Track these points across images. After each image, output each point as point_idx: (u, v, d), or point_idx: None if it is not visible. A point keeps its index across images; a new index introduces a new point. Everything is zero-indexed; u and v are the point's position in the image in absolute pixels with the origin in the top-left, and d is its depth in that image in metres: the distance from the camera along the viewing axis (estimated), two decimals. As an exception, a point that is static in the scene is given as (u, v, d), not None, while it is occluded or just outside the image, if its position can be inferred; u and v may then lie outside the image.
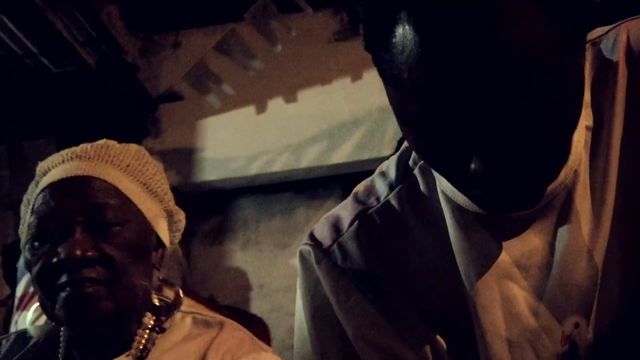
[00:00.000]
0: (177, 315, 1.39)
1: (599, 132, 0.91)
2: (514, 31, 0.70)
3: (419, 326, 0.98)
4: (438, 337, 0.97)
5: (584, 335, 0.92)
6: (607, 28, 0.94)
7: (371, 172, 1.06)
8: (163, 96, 4.36)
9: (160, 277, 1.41)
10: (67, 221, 1.26)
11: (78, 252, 1.22)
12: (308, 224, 4.40)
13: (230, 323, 1.40)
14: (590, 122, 0.92)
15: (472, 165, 0.77)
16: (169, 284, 1.47)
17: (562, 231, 0.91)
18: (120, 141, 1.43)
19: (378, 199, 1.00)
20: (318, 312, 1.00)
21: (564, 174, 0.89)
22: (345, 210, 1.02)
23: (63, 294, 1.23)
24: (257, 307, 4.38)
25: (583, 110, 0.87)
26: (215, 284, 4.45)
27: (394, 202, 0.99)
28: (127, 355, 1.30)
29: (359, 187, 1.04)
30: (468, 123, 0.74)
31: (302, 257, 1.02)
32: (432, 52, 0.71)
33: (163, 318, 1.36)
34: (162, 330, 1.35)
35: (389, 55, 0.76)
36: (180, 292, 1.40)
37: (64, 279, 1.23)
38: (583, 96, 0.82)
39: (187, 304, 1.46)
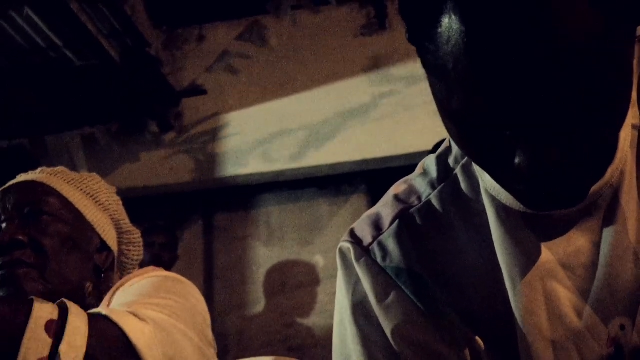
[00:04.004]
0: None
1: None
2: (562, 22, 0.68)
3: (458, 325, 0.96)
4: (477, 337, 0.95)
5: (629, 338, 0.89)
6: None
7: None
8: (186, 90, 4.35)
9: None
10: (6, 218, 1.41)
11: (7, 237, 1.36)
12: (332, 221, 4.38)
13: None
14: (637, 121, 0.89)
15: (516, 160, 0.74)
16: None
17: (608, 231, 0.88)
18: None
19: (419, 198, 0.99)
20: (358, 309, 0.99)
21: (610, 173, 0.86)
22: (386, 209, 1.01)
23: None
24: (279, 304, 4.38)
25: (630, 108, 0.84)
26: (236, 280, 4.44)
27: (435, 201, 0.97)
28: None
29: (399, 186, 1.03)
30: (513, 115, 0.72)
31: (342, 254, 1.01)
32: (479, 43, 0.69)
33: None
34: None
35: (434, 46, 0.74)
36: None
37: None
38: (631, 92, 0.79)
39: None
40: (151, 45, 4.25)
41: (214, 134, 4.30)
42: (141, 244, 1.60)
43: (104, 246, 1.50)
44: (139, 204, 4.45)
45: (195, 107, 4.35)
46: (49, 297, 1.30)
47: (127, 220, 1.57)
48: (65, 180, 1.49)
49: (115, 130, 4.28)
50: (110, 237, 1.52)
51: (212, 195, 4.50)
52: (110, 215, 1.53)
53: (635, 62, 0.89)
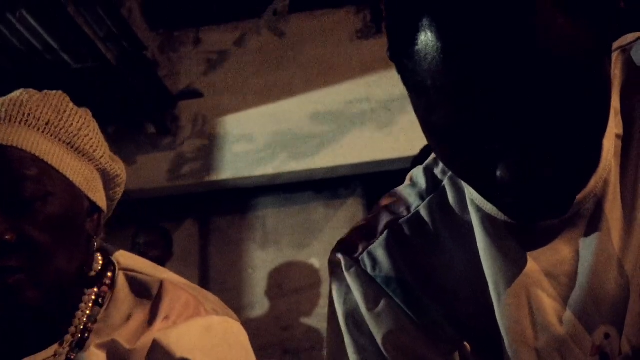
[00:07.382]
0: (119, 278, 1.25)
1: (629, 141, 0.89)
2: (538, 35, 0.68)
3: (447, 331, 0.97)
4: (465, 343, 0.97)
5: (615, 346, 0.89)
6: (638, 34, 0.92)
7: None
8: (182, 93, 4.36)
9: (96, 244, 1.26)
10: None
11: None
12: (328, 224, 4.38)
13: (170, 284, 1.26)
14: (620, 131, 0.90)
15: (498, 173, 0.75)
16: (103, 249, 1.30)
17: (592, 240, 0.88)
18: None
19: (408, 209, 1.00)
20: (350, 318, 1.01)
21: (593, 183, 0.87)
22: (375, 219, 1.02)
23: None
24: (275, 307, 4.38)
25: (613, 118, 0.86)
26: (232, 283, 4.44)
27: (424, 212, 0.99)
28: (62, 345, 1.17)
29: (388, 198, 1.04)
30: (492, 129, 0.72)
31: (333, 265, 1.02)
32: (455, 59, 0.70)
33: (104, 288, 1.24)
34: (103, 303, 1.23)
35: (413, 63, 0.75)
36: (112, 254, 1.28)
37: None
38: (610, 101, 0.80)
39: (125, 261, 1.31)
40: (147, 48, 4.25)
41: (210, 137, 4.31)
42: (125, 180, 1.30)
43: (93, 208, 1.23)
44: (135, 207, 4.46)
45: (191, 110, 4.35)
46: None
47: (111, 163, 1.27)
48: (38, 129, 1.16)
49: (111, 132, 4.28)
50: (99, 195, 1.24)
51: (208, 198, 4.50)
52: (96, 165, 1.23)
53: (617, 72, 0.90)
